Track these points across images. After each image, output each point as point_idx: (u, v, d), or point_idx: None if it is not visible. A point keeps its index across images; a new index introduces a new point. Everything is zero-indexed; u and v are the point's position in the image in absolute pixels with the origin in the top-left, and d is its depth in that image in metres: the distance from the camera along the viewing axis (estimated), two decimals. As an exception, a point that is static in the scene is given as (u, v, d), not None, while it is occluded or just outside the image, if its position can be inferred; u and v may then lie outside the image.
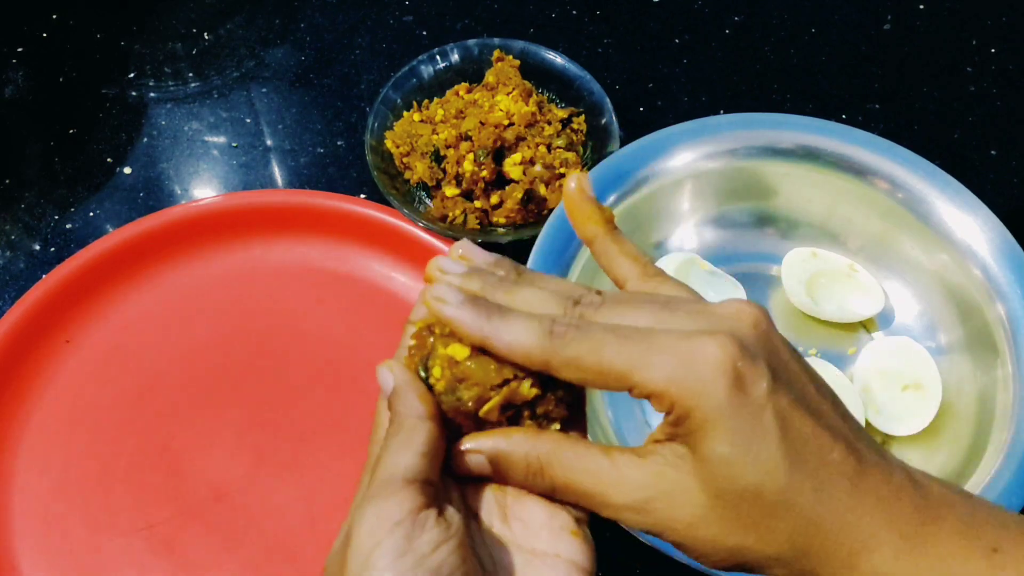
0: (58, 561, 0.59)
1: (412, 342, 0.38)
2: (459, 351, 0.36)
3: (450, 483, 0.37)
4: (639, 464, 0.35)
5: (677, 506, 0.34)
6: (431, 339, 0.37)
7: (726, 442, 0.33)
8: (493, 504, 0.37)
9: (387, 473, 0.34)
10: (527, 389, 0.36)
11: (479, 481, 0.38)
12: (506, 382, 0.36)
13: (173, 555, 0.60)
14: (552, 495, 0.37)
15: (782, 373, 0.34)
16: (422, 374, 0.37)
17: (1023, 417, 0.58)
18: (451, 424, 0.37)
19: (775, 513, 0.33)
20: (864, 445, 0.35)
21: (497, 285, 0.37)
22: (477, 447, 0.36)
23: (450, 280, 0.37)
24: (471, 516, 0.37)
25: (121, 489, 0.62)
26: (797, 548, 0.33)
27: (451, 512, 0.34)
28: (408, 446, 0.35)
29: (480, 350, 0.36)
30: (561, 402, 0.37)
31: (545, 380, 0.36)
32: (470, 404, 0.36)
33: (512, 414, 0.37)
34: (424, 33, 0.83)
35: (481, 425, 0.37)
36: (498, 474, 0.37)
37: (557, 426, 0.37)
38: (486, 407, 0.36)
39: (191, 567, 0.59)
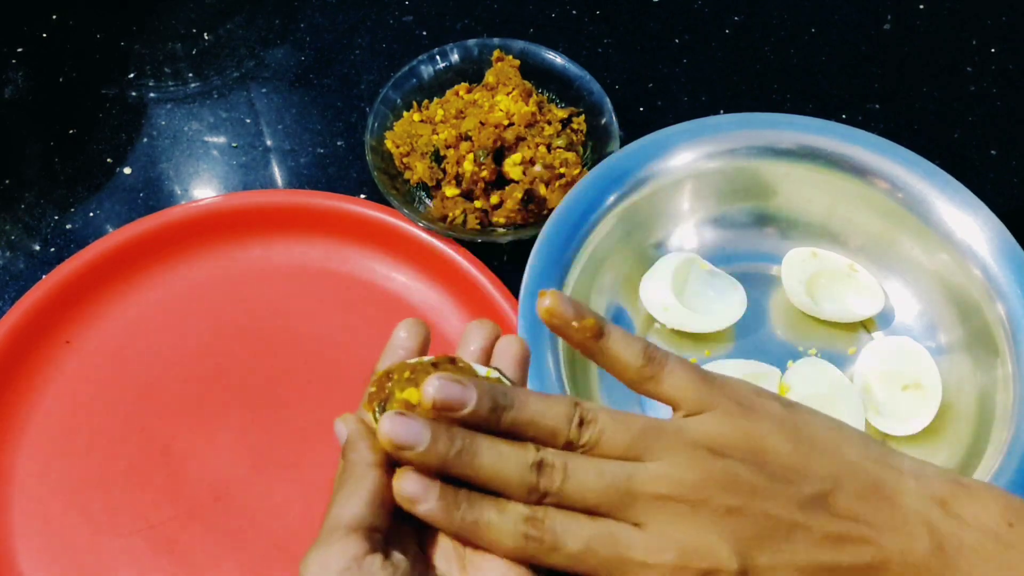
0: (58, 561, 0.59)
1: (372, 388, 0.39)
2: (414, 395, 0.37)
3: (407, 530, 0.37)
4: None
5: None
6: (388, 384, 0.38)
7: None
8: (452, 554, 0.37)
9: (333, 521, 0.35)
10: None
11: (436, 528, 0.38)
12: None
13: (173, 555, 0.60)
14: None
15: (755, 535, 0.35)
16: (377, 414, 0.38)
17: (1023, 417, 0.58)
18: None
19: None
20: (878, 527, 0.35)
21: (457, 458, 0.35)
22: (399, 484, 0.36)
23: (409, 457, 0.36)
24: (427, 565, 0.37)
25: (121, 489, 0.62)
26: None
27: (398, 557, 0.35)
28: (355, 494, 0.36)
29: None
30: None
31: None
32: None
33: None
34: (424, 33, 0.83)
35: None
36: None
37: None
38: None
39: (191, 567, 0.59)
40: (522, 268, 0.62)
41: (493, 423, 0.36)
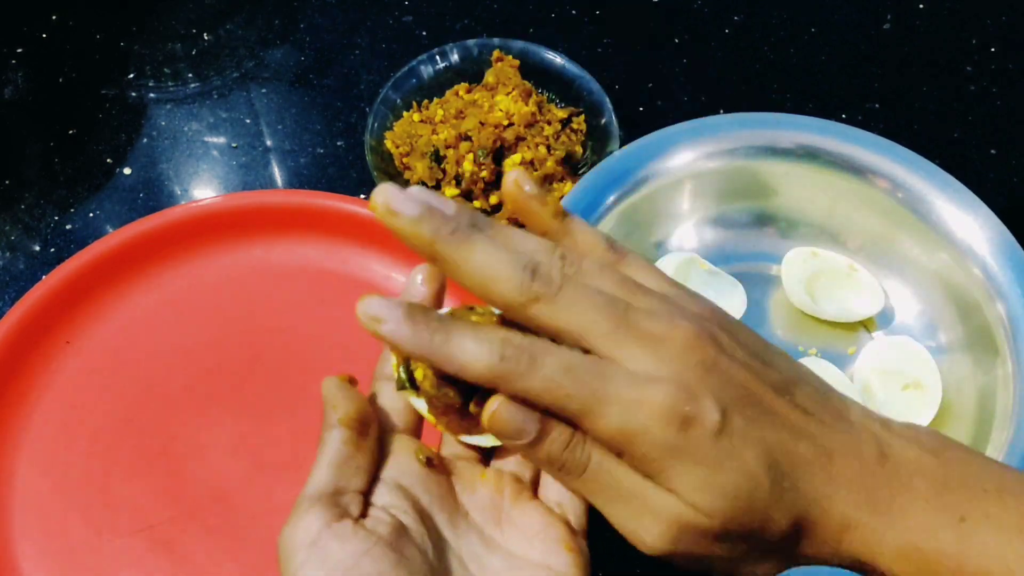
0: (58, 561, 0.59)
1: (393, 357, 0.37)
2: None
3: (444, 484, 0.36)
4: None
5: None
6: None
7: (686, 485, 0.33)
8: (488, 505, 0.37)
9: (302, 493, 0.35)
10: None
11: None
12: None
13: (173, 555, 0.60)
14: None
15: (734, 396, 0.34)
16: (403, 376, 0.37)
17: (1023, 417, 0.58)
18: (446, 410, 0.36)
19: (762, 529, 0.34)
20: (829, 426, 0.35)
21: (447, 240, 0.33)
22: (361, 304, 0.34)
23: (399, 225, 0.33)
24: (461, 517, 0.36)
25: (121, 489, 0.62)
26: (783, 545, 0.35)
27: (377, 516, 0.34)
28: (319, 460, 0.35)
29: None
30: None
31: None
32: (457, 397, 0.36)
33: None
34: (424, 33, 0.83)
35: (470, 418, 0.36)
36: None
37: None
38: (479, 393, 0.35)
39: (191, 567, 0.59)
40: (522, 268, 0.62)
41: (452, 238, 0.34)
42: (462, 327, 0.33)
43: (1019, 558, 0.33)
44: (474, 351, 0.32)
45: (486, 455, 0.39)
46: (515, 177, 0.37)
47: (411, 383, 0.37)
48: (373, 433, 0.37)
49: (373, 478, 0.36)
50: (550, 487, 0.38)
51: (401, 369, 0.37)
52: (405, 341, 0.33)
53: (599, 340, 0.33)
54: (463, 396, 0.35)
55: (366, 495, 0.35)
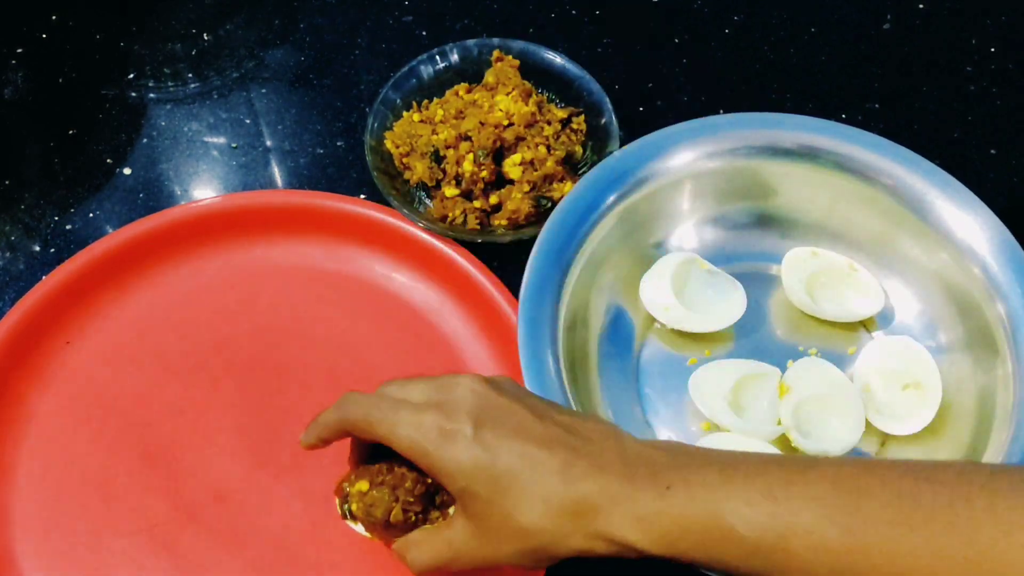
0: (58, 561, 0.59)
1: (336, 497, 0.54)
2: (363, 486, 0.52)
3: None
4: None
5: (474, 547, 0.48)
6: (345, 484, 0.54)
7: (453, 480, 0.47)
8: None
9: None
10: (411, 484, 0.50)
11: None
12: (396, 497, 0.50)
13: (173, 556, 0.60)
14: None
15: (485, 417, 0.47)
16: (347, 510, 0.53)
17: (1023, 416, 0.58)
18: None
19: (524, 517, 0.46)
20: (578, 439, 0.47)
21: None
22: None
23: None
24: None
25: (121, 490, 0.62)
26: (545, 533, 0.46)
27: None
28: None
29: (377, 483, 0.51)
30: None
31: (429, 482, 0.50)
32: (380, 517, 0.51)
33: (419, 512, 0.51)
34: (424, 33, 0.83)
35: (392, 531, 0.51)
36: None
37: (452, 509, 0.50)
38: (392, 514, 0.50)
39: (191, 568, 0.59)
40: (522, 268, 0.62)
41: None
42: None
43: (707, 506, 0.43)
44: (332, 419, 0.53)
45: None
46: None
47: (350, 514, 0.53)
48: None
49: None
50: None
51: (345, 507, 0.53)
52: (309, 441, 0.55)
53: (412, 396, 0.51)
54: (384, 515, 0.51)
55: None
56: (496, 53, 0.74)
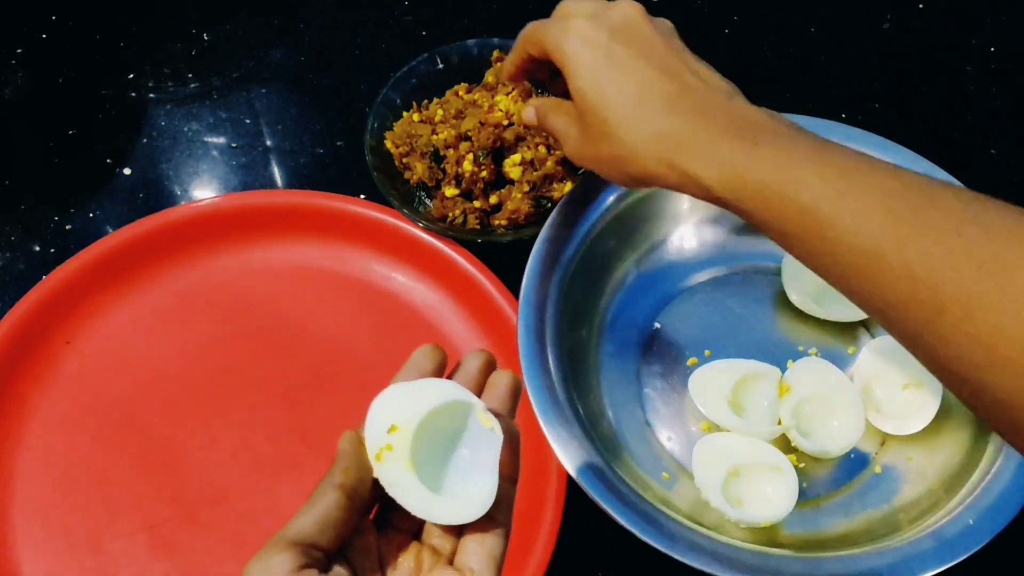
0: (58, 561, 0.59)
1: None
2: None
3: (369, 548, 0.39)
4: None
5: (576, 137, 0.54)
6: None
7: (575, 77, 0.52)
8: (409, 573, 0.40)
9: (280, 534, 0.37)
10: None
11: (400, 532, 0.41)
12: None
13: (173, 556, 0.60)
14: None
15: (625, 35, 0.52)
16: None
17: (1023, 416, 0.58)
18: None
19: (616, 128, 0.51)
20: (696, 80, 0.51)
21: None
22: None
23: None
24: None
25: (121, 490, 0.62)
26: (645, 156, 0.50)
27: (338, 570, 0.37)
28: (308, 511, 0.37)
29: None
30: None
31: None
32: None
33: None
34: (424, 33, 0.83)
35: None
36: None
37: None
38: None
39: (191, 568, 0.59)
40: (522, 268, 0.62)
41: None
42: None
43: (781, 168, 0.45)
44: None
45: (416, 533, 0.42)
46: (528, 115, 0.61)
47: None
48: (361, 508, 0.39)
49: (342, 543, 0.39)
50: (468, 555, 0.41)
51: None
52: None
53: (575, 11, 0.55)
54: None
55: (331, 555, 0.38)
56: (496, 53, 0.74)
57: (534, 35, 0.56)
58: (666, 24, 0.55)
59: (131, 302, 0.69)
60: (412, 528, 0.41)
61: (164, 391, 0.65)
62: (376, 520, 0.41)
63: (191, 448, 0.63)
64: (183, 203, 0.72)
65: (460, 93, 0.73)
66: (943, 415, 0.63)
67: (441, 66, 0.75)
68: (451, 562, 0.40)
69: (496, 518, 0.40)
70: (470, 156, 0.68)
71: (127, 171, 0.76)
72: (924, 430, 0.62)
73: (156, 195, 0.75)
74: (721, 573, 0.52)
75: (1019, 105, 0.80)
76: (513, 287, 0.65)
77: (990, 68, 0.82)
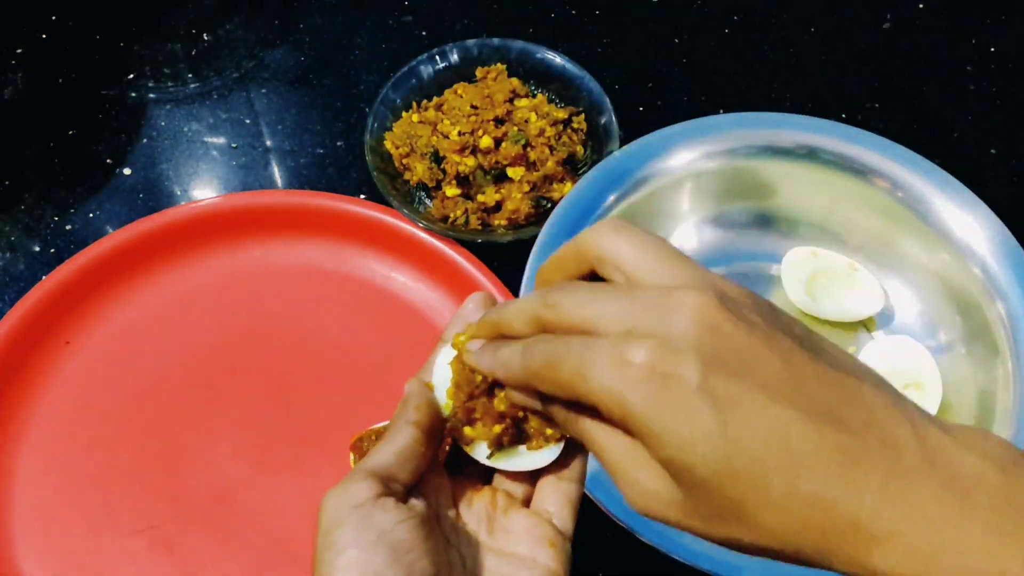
0: (58, 561, 0.59)
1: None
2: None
3: (444, 488, 0.41)
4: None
5: (668, 502, 0.33)
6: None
7: (664, 447, 0.31)
8: (483, 515, 0.41)
9: (360, 466, 0.38)
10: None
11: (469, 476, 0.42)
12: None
13: (173, 556, 0.60)
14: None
15: (726, 359, 0.31)
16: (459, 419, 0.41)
17: (1023, 416, 0.58)
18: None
19: (743, 506, 0.31)
20: (859, 410, 0.31)
21: (521, 369, 0.37)
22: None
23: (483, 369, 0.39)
24: (459, 523, 0.40)
25: (121, 490, 0.62)
26: (791, 542, 0.32)
27: (414, 501, 0.38)
28: (386, 445, 0.39)
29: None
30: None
31: None
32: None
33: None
34: (424, 33, 0.83)
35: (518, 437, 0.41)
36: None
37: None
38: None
39: (191, 568, 0.59)
40: (522, 268, 0.62)
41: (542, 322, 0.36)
42: (502, 346, 0.38)
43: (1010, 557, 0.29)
44: (507, 360, 0.37)
45: (486, 480, 0.43)
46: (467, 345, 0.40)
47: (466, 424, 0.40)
48: (435, 446, 0.40)
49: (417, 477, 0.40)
50: (543, 497, 0.41)
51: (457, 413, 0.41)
52: (481, 367, 0.38)
53: (607, 324, 0.33)
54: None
55: (408, 489, 0.39)
56: (480, 72, 0.74)
57: (549, 367, 0.34)
58: (758, 303, 0.34)
59: (131, 302, 0.68)
60: (483, 477, 0.43)
61: (164, 391, 0.65)
62: (447, 466, 0.42)
63: (191, 448, 0.63)
64: (183, 203, 0.72)
65: (459, 92, 0.73)
66: (943, 415, 0.63)
67: (441, 66, 0.75)
68: (526, 506, 0.42)
69: (569, 463, 0.41)
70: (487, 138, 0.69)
71: (127, 171, 0.76)
72: (924, 430, 0.62)
73: (156, 195, 0.75)
74: (721, 573, 0.52)
75: (1019, 105, 0.80)
76: (513, 287, 0.65)
77: (990, 68, 0.82)
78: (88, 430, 0.64)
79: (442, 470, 0.41)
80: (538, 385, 0.35)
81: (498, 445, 0.40)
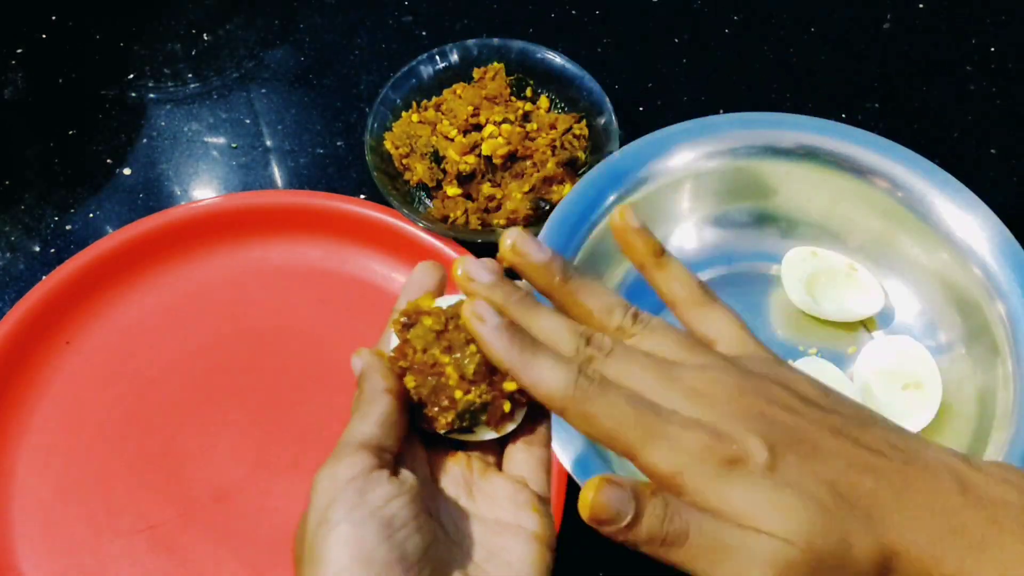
0: (58, 561, 0.59)
1: (400, 318, 0.41)
2: (428, 300, 0.41)
3: (419, 455, 0.40)
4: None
5: None
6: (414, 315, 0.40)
7: (759, 513, 0.33)
8: (460, 480, 0.40)
9: (345, 439, 0.38)
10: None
11: (447, 446, 0.41)
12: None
13: (173, 556, 0.60)
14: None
15: (783, 438, 0.35)
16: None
17: (1023, 417, 0.58)
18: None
19: (848, 556, 0.33)
20: (900, 462, 0.35)
21: (518, 304, 0.38)
22: (471, 304, 0.38)
23: (476, 289, 0.38)
24: (438, 491, 0.40)
25: (121, 490, 0.62)
26: None
27: (406, 474, 0.37)
28: (366, 416, 0.38)
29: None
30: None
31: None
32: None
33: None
34: (423, 33, 0.83)
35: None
36: None
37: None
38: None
39: (191, 568, 0.59)
40: (522, 268, 0.62)
41: (558, 285, 0.39)
42: (545, 353, 0.36)
43: None
44: (551, 376, 0.36)
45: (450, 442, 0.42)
46: (623, 210, 0.42)
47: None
48: (407, 410, 0.40)
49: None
50: (514, 464, 0.41)
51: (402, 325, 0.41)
52: (496, 349, 0.37)
53: (647, 394, 0.36)
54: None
55: (396, 458, 0.38)
56: (477, 72, 0.74)
57: (610, 437, 0.35)
58: (774, 370, 0.38)
59: (131, 302, 0.68)
60: (447, 442, 0.41)
61: (164, 391, 0.65)
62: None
63: (191, 448, 0.63)
64: (183, 203, 0.72)
65: (459, 92, 0.73)
66: (943, 415, 0.63)
67: (441, 66, 0.75)
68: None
69: (535, 429, 0.41)
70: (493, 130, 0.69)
71: (127, 171, 0.76)
72: (924, 430, 0.62)
73: (156, 195, 0.75)
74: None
75: (1019, 105, 0.80)
76: (513, 287, 0.65)
77: (990, 68, 0.82)
78: (88, 430, 0.64)
79: (415, 438, 0.40)
80: (573, 421, 0.36)
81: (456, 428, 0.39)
